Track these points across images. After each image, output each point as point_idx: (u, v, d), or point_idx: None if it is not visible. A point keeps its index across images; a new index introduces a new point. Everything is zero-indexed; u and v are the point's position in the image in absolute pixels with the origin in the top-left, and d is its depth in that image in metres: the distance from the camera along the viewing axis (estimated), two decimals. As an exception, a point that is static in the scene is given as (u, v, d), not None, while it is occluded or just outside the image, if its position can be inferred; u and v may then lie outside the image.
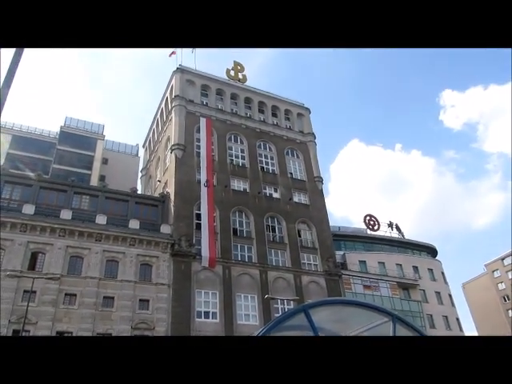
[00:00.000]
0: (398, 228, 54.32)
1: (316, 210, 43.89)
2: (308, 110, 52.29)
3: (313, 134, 49.89)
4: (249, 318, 34.27)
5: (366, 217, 51.23)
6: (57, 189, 34.87)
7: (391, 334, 7.56)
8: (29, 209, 31.29)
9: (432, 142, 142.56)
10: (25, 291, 26.74)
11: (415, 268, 48.93)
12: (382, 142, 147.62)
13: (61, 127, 53.37)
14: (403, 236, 54.52)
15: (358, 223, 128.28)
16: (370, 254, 48.49)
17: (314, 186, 45.71)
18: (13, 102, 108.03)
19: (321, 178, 46.74)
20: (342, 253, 45.86)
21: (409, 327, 7.90)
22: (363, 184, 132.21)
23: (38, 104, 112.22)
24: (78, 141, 52.83)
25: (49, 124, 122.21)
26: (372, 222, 51.26)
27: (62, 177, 43.36)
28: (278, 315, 30.27)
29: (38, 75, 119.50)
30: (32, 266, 29.40)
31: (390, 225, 53.82)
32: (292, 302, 34.30)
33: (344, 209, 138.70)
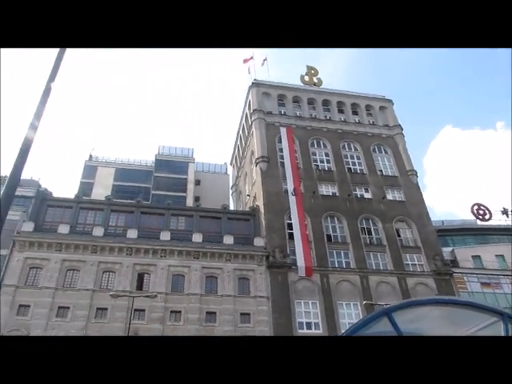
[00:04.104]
0: (514, 215, 48.19)
1: (413, 206, 40.89)
2: (390, 101, 49.54)
3: (399, 125, 46.98)
4: (353, 326, 32.71)
5: (473, 206, 46.27)
6: (155, 213, 37.35)
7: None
8: (133, 233, 33.91)
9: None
10: (135, 310, 28.72)
11: (543, 258, 42.70)
12: (479, 123, 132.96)
13: (155, 156, 57.73)
14: (523, 223, 48.14)
15: (464, 215, 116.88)
16: (485, 246, 43.52)
17: (407, 180, 42.78)
18: (111, 138, 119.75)
19: (414, 170, 43.60)
20: (450, 249, 41.86)
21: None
22: (464, 172, 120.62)
23: (132, 136, 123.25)
24: (172, 166, 56.84)
25: (144, 154, 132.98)
26: (481, 212, 46.12)
27: (160, 201, 46.43)
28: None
29: (129, 110, 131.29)
30: (140, 286, 31.64)
31: (505, 212, 47.88)
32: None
33: (445, 203, 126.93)
